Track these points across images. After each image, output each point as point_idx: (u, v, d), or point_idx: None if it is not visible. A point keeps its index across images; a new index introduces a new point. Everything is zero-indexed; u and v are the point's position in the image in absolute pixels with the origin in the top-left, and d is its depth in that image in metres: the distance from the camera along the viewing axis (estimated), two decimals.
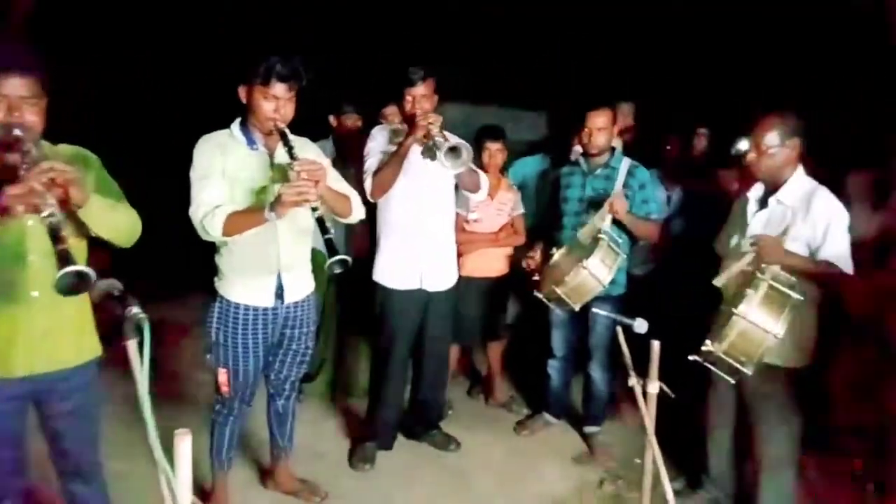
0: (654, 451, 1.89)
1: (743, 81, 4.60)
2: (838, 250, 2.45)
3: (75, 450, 2.10)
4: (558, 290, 2.91)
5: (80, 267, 1.55)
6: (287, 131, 2.28)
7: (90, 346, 2.07)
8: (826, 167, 2.87)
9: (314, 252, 2.63)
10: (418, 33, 5.45)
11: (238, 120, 2.40)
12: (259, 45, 2.45)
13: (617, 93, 3.70)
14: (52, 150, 1.92)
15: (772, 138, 2.52)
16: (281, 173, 2.35)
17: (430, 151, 2.74)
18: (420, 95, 2.81)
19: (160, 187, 3.58)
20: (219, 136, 2.37)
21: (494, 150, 3.56)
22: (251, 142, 2.37)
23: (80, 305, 2.02)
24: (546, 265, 3.19)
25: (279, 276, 2.47)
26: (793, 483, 2.68)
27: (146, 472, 2.87)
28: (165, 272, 4.59)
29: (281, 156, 2.33)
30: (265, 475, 3.00)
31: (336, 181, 2.49)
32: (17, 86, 1.76)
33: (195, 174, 2.31)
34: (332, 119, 3.66)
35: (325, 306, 3.57)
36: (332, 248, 2.10)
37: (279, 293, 2.48)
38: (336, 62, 4.83)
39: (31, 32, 4.51)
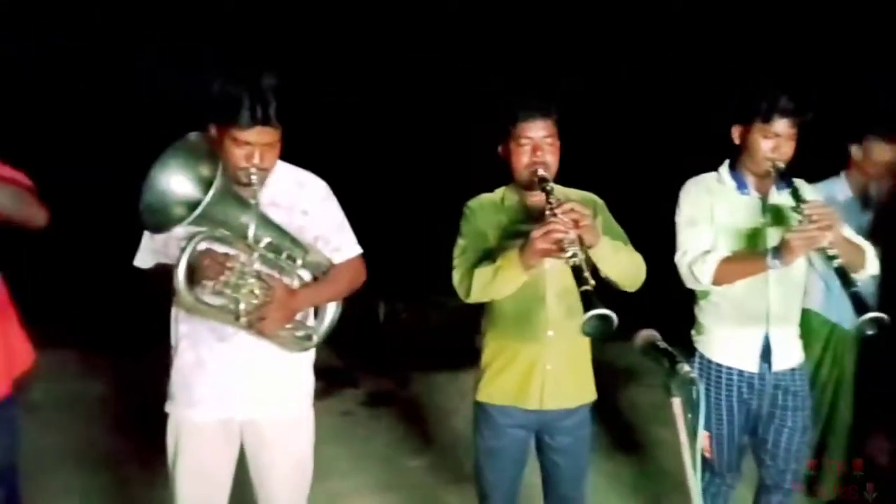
0: None
1: None
2: None
3: (566, 483, 2.17)
4: None
5: (604, 310, 1.57)
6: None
7: (589, 389, 2.15)
8: None
9: (807, 313, 2.41)
10: None
11: (727, 162, 2.24)
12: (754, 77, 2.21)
13: None
14: (564, 192, 2.04)
15: None
16: (775, 217, 2.16)
17: None
18: None
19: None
20: (707, 179, 2.26)
21: None
22: (741, 185, 2.20)
23: (584, 348, 2.11)
24: None
25: (767, 336, 2.21)
26: None
27: None
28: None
29: (776, 198, 2.18)
30: None
31: (845, 228, 2.14)
32: (540, 128, 1.94)
33: (682, 219, 2.21)
34: (853, 150, 2.89)
35: (827, 380, 2.95)
36: (861, 304, 1.81)
37: (765, 356, 2.21)
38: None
39: None
